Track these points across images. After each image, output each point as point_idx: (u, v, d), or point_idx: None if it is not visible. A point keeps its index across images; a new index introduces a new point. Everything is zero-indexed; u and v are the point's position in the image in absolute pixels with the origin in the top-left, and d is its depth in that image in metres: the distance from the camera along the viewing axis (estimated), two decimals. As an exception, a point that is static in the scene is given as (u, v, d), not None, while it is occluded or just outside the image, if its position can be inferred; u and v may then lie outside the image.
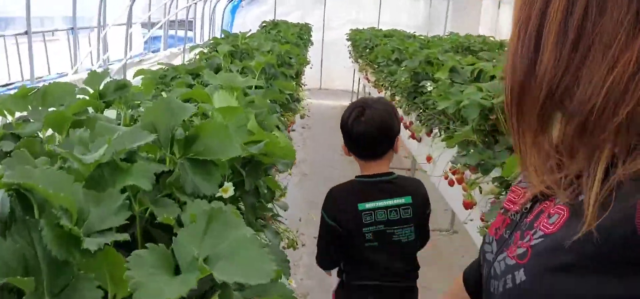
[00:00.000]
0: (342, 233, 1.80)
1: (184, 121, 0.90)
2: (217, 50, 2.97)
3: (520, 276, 0.63)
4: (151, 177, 0.67)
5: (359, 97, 6.35)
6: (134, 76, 2.25)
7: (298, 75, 3.17)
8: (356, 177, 1.87)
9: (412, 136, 3.51)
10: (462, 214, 2.49)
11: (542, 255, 0.61)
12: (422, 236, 1.93)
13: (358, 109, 1.81)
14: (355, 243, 1.80)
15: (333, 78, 11.53)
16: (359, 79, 8.25)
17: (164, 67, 2.21)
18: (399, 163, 6.05)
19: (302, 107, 3.40)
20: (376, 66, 5.21)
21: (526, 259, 0.64)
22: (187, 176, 0.76)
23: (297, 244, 1.56)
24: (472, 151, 2.10)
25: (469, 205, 2.25)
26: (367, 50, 6.35)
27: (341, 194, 1.84)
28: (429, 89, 2.95)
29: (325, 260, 1.91)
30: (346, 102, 7.40)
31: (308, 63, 5.05)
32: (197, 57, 3.59)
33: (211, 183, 0.77)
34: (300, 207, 2.23)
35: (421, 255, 1.91)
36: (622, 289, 0.53)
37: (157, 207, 0.68)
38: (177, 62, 5.78)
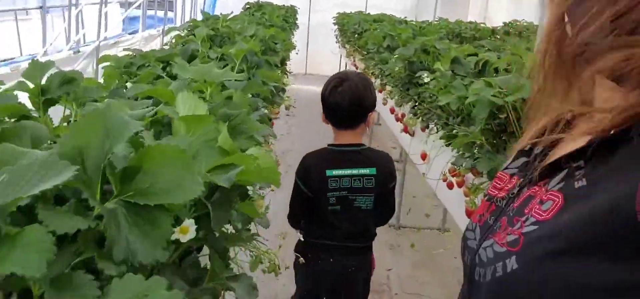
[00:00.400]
0: (311, 197, 1.98)
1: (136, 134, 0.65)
2: (194, 35, 2.70)
3: (512, 264, 0.62)
4: (48, 250, 0.42)
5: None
6: (99, 63, 1.97)
7: (283, 62, 2.91)
8: (328, 145, 2.02)
9: (405, 130, 3.28)
10: (458, 217, 2.27)
11: (536, 243, 0.60)
12: (386, 208, 2.09)
13: (336, 80, 1.96)
14: (320, 205, 1.97)
15: (319, 63, 11.22)
16: (346, 64, 7.99)
17: (131, 53, 1.94)
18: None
19: (287, 97, 3.14)
20: (365, 53, 4.95)
21: (518, 246, 0.62)
22: (118, 233, 0.51)
23: (278, 269, 1.32)
24: (478, 154, 1.88)
25: (470, 213, 2.04)
26: (356, 35, 6.08)
27: (312, 161, 1.99)
28: (426, 81, 2.72)
29: (296, 221, 2.09)
30: (333, 89, 7.15)
31: (294, 48, 4.77)
32: (174, 40, 3.31)
33: (155, 243, 0.52)
34: (285, 204, 2.01)
35: (412, 259, 1.78)
36: (622, 274, 0.52)
37: (57, 292, 0.43)
38: (155, 44, 5.45)
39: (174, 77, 1.64)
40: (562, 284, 0.56)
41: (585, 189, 0.59)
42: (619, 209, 0.53)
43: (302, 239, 2.10)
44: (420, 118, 2.87)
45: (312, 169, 1.99)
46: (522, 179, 0.72)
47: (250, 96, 1.80)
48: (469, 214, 2.05)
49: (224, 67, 1.60)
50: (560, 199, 0.61)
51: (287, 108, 3.29)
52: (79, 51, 4.54)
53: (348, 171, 1.96)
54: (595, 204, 0.55)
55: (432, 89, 2.57)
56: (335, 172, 1.96)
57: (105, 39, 4.88)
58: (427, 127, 2.71)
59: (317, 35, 11.18)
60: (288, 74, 3.56)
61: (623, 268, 0.52)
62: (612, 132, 0.57)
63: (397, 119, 3.65)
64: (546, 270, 0.58)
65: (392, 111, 3.79)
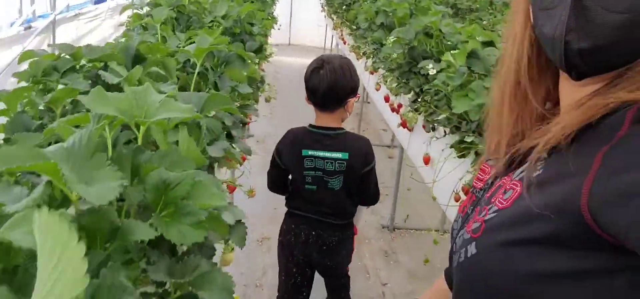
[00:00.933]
0: (285, 171, 2.08)
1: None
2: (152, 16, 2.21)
3: (472, 249, 0.66)
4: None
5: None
6: (20, 61, 1.50)
7: (261, 49, 2.44)
8: (309, 125, 2.05)
9: (403, 124, 2.85)
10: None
11: (493, 230, 0.64)
12: (365, 195, 2.11)
13: (318, 62, 2.00)
14: (297, 182, 2.06)
15: (304, 33, 10.67)
16: (333, 37, 7.48)
17: (55, 51, 1.46)
18: (378, 140, 5.40)
19: (268, 85, 2.68)
20: (354, 28, 4.47)
21: (479, 233, 0.66)
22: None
23: None
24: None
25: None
26: (344, 6, 5.58)
27: (291, 137, 2.05)
28: (432, 73, 2.28)
29: (273, 189, 2.19)
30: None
31: (276, 22, 4.28)
32: (130, 19, 2.80)
33: None
34: (267, 196, 2.01)
35: (409, 268, 1.45)
36: (570, 262, 0.56)
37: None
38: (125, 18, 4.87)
39: (118, 88, 1.18)
40: (511, 269, 0.60)
41: (541, 177, 0.61)
42: (566, 203, 0.56)
43: (287, 209, 2.19)
44: (426, 117, 2.44)
45: (289, 144, 2.05)
46: (497, 170, 0.75)
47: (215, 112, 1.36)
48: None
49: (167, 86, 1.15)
50: (519, 188, 0.64)
51: (267, 100, 2.84)
52: (30, 27, 3.99)
53: (322, 153, 2.00)
54: (549, 194, 0.58)
55: (440, 86, 2.13)
56: (311, 152, 2.01)
57: (62, 11, 4.31)
58: (433, 129, 2.28)
59: (302, 3, 10.59)
60: (269, 50, 3.08)
61: (570, 255, 0.56)
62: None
63: (393, 110, 3.21)
64: (498, 255, 0.62)
65: (386, 99, 3.34)
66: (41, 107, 1.18)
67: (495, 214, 0.65)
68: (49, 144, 0.87)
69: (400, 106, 3.13)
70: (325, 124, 2.02)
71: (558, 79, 0.69)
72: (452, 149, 2.06)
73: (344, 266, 2.21)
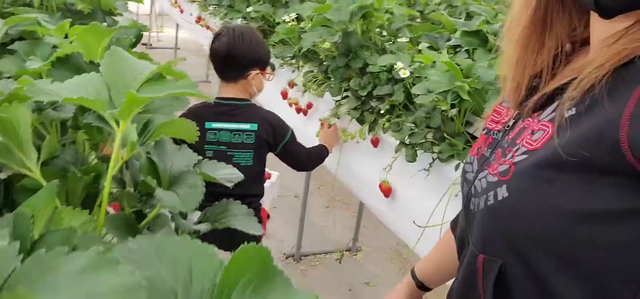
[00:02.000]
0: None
1: None
2: None
3: (503, 192, 0.64)
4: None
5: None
6: None
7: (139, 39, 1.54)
8: (215, 98, 1.94)
9: (325, 128, 2.14)
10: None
11: (526, 171, 0.62)
12: (294, 163, 2.01)
13: (223, 28, 1.93)
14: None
15: None
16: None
17: None
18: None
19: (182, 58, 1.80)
20: None
21: (509, 176, 0.64)
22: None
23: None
24: None
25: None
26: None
27: (193, 111, 1.86)
28: (403, 75, 1.59)
29: None
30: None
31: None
32: None
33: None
34: None
35: None
36: (610, 201, 0.55)
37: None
38: None
39: None
40: (549, 210, 0.59)
41: (574, 117, 0.60)
42: (602, 138, 0.55)
43: None
44: (384, 130, 1.75)
45: (191, 118, 1.37)
46: (517, 112, 0.73)
47: None
48: None
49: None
50: (551, 129, 0.62)
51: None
52: None
53: (227, 125, 1.88)
54: (582, 132, 0.57)
55: (425, 102, 1.44)
56: (215, 124, 1.89)
57: None
58: (410, 146, 1.59)
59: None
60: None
61: (610, 193, 0.55)
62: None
63: (299, 111, 2.48)
64: (534, 196, 0.60)
65: (284, 95, 2.60)
66: None
67: (525, 155, 0.63)
68: None
69: (310, 105, 2.42)
70: (231, 95, 1.91)
71: (583, 14, 0.70)
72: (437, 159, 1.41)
73: None
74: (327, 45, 1.90)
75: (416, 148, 1.58)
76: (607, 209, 0.55)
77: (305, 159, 2.00)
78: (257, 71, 1.89)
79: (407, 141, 1.59)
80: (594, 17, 0.64)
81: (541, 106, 0.67)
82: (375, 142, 1.88)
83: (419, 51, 1.88)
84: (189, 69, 4.16)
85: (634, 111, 0.53)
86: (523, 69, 0.73)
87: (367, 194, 1.99)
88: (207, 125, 1.87)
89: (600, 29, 0.64)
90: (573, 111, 0.60)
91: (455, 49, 1.81)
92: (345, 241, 3.08)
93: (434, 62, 1.66)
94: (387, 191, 1.80)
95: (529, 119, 0.68)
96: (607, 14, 0.59)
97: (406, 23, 2.01)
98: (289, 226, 3.08)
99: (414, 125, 1.58)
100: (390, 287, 1.10)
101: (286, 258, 2.90)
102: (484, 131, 0.80)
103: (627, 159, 0.53)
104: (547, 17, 0.70)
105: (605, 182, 0.55)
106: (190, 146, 1.82)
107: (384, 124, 1.80)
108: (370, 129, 1.88)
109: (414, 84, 1.61)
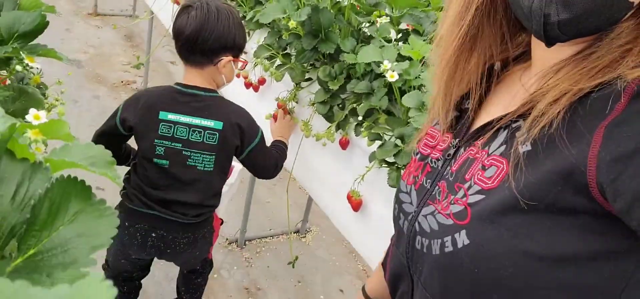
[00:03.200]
0: (125, 135, 1.57)
1: None
2: None
3: (463, 239, 0.60)
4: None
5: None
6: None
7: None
8: (175, 83, 1.57)
9: (280, 106, 1.80)
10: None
11: (486, 217, 0.59)
12: (261, 172, 1.67)
13: (189, 6, 1.52)
14: (145, 155, 1.54)
15: None
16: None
17: None
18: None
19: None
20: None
21: (467, 220, 0.61)
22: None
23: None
24: None
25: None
26: None
27: (147, 97, 1.54)
28: (391, 78, 1.28)
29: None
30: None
31: None
32: None
33: None
34: None
35: None
36: (579, 244, 0.53)
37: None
38: None
39: None
40: (515, 256, 0.56)
41: (531, 154, 0.57)
42: (567, 178, 0.53)
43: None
44: (357, 133, 1.45)
45: (142, 102, 1.53)
46: (456, 139, 0.70)
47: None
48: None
49: None
50: (505, 166, 0.59)
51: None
52: None
53: (186, 118, 1.52)
54: (543, 173, 0.55)
55: (418, 124, 1.14)
56: (171, 116, 1.52)
57: None
58: (394, 167, 1.30)
59: None
60: None
61: (576, 236, 0.53)
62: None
63: (249, 86, 2.11)
64: (499, 243, 0.57)
65: (247, 85, 2.20)
66: None
67: (481, 196, 0.60)
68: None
69: (262, 81, 2.06)
70: (195, 83, 1.55)
71: (516, 32, 0.69)
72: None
73: (199, 260, 1.76)
74: (292, 24, 1.54)
75: (402, 169, 1.29)
76: (575, 252, 0.54)
77: (271, 168, 1.66)
78: (230, 58, 1.54)
79: (391, 159, 1.30)
80: (537, 42, 0.63)
81: (488, 135, 0.64)
82: (344, 144, 1.57)
83: (405, 38, 1.57)
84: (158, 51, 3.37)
85: (599, 154, 0.52)
86: (452, 87, 0.70)
87: (330, 203, 1.70)
88: (162, 115, 1.52)
89: (543, 55, 0.62)
90: (528, 147, 0.58)
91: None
92: (294, 220, 2.81)
93: (423, 58, 1.36)
94: (356, 205, 1.52)
95: (472, 148, 0.65)
96: (552, 44, 0.58)
97: (384, -1, 1.68)
98: (232, 205, 2.77)
99: (400, 140, 1.29)
100: (341, 276, 0.97)
101: (229, 243, 2.59)
102: (417, 155, 0.75)
103: (596, 200, 0.52)
104: (479, 34, 0.67)
105: (569, 223, 0.54)
106: (140, 137, 1.51)
107: (356, 126, 1.50)
108: (339, 127, 1.57)
109: (403, 91, 1.30)
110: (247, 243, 2.62)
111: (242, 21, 1.88)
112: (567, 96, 0.56)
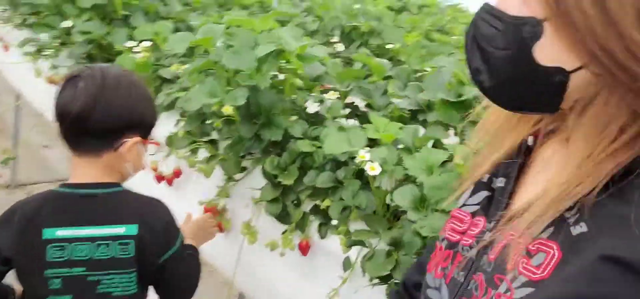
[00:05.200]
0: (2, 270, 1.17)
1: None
2: None
3: None
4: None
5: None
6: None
7: None
8: (60, 185, 1.20)
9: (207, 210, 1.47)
10: None
11: None
12: (178, 285, 1.25)
13: (74, 78, 1.17)
14: (35, 296, 1.17)
15: None
16: None
17: None
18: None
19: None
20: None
21: None
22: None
23: None
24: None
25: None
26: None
27: (20, 213, 1.15)
28: (372, 171, 1.05)
29: None
30: None
31: None
32: None
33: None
34: None
35: None
36: None
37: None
38: None
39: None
40: None
41: (586, 235, 0.50)
42: (629, 265, 0.46)
43: None
44: (322, 235, 1.19)
45: (18, 224, 1.14)
46: (490, 222, 0.62)
47: None
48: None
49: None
50: (556, 250, 0.51)
51: None
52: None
53: (85, 231, 1.14)
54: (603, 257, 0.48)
55: (423, 231, 0.93)
56: (61, 232, 1.14)
57: None
58: (389, 283, 1.05)
59: None
60: None
61: None
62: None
63: (161, 179, 1.74)
64: None
65: (159, 178, 1.80)
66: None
67: (531, 288, 0.51)
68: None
69: (178, 173, 1.70)
70: (89, 178, 1.18)
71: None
72: None
73: None
74: (227, 109, 1.24)
75: (400, 284, 1.05)
76: None
77: (195, 278, 1.28)
78: (137, 139, 1.18)
79: (383, 274, 1.06)
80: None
81: (526, 217, 0.55)
82: (304, 249, 1.29)
83: (354, 114, 1.36)
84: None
85: None
86: (495, 154, 0.66)
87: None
88: (47, 234, 1.13)
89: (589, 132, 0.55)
90: (583, 227, 0.50)
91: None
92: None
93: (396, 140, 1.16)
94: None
95: (511, 233, 0.56)
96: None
97: (324, 70, 1.46)
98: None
99: (393, 247, 1.06)
100: None
101: None
102: (443, 243, 0.67)
103: None
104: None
105: None
106: (22, 272, 1.14)
107: (321, 226, 1.24)
108: (297, 227, 1.29)
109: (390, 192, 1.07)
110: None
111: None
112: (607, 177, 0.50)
